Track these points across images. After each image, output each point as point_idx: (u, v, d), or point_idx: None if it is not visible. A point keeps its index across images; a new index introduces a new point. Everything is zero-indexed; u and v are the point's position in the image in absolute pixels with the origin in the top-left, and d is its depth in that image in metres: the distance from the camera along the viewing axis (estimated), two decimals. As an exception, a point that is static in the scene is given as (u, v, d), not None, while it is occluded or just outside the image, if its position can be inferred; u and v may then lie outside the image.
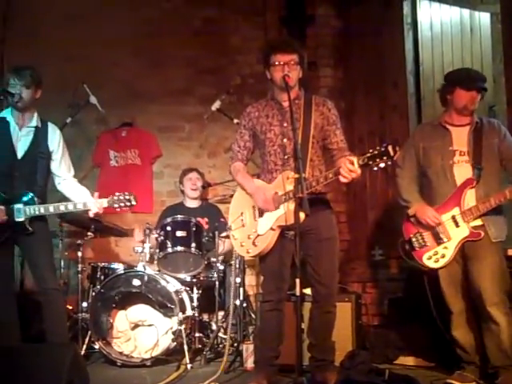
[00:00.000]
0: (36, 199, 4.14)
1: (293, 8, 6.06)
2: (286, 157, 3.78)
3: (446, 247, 3.95)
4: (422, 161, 4.11)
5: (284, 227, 3.68)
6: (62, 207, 4.15)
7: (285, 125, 3.80)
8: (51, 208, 4.14)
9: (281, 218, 3.66)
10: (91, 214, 4.22)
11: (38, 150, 4.26)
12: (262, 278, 4.05)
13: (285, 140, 3.79)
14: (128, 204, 4.18)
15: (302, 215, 3.43)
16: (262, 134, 3.87)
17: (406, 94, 5.53)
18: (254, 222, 3.80)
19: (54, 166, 4.35)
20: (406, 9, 5.59)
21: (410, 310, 4.73)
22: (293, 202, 3.54)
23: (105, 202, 4.17)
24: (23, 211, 4.12)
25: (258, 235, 3.75)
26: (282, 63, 3.72)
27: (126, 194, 4.19)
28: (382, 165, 3.35)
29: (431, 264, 3.99)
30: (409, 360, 4.50)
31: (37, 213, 4.12)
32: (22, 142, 4.25)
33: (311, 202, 3.41)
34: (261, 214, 3.77)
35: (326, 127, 3.84)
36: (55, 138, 4.34)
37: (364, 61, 5.84)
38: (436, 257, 3.97)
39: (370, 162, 3.36)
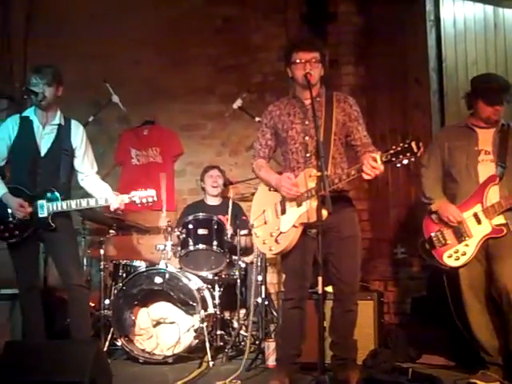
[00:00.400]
0: (59, 196, 4.18)
1: (314, 5, 6.04)
2: (307, 155, 3.76)
3: (467, 245, 3.92)
4: (447, 160, 4.09)
5: (306, 225, 3.67)
6: (83, 203, 4.18)
7: (306, 123, 3.79)
8: (73, 204, 4.17)
9: (303, 215, 3.65)
10: (112, 209, 4.25)
11: (61, 147, 4.30)
12: (283, 276, 4.04)
13: (307, 138, 3.78)
14: (150, 200, 4.21)
15: (324, 213, 3.41)
16: (283, 132, 3.86)
17: (429, 91, 5.48)
18: (276, 220, 3.79)
19: (77, 163, 4.38)
20: (429, 5, 5.54)
21: (433, 309, 4.70)
22: (315, 200, 3.51)
23: (126, 198, 4.20)
24: (46, 207, 4.17)
25: (281, 233, 3.74)
26: (303, 61, 3.71)
27: (148, 190, 4.20)
28: (406, 161, 3.32)
29: (452, 262, 3.95)
30: (432, 359, 4.46)
31: (59, 209, 4.17)
32: (45, 140, 4.29)
33: (333, 200, 3.38)
34: (283, 211, 3.76)
35: (348, 123, 3.82)
36: (78, 135, 4.38)
37: (386, 58, 5.81)
38: (457, 255, 3.94)
39: (394, 159, 3.34)
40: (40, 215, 4.17)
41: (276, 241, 3.76)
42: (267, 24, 6.32)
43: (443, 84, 5.45)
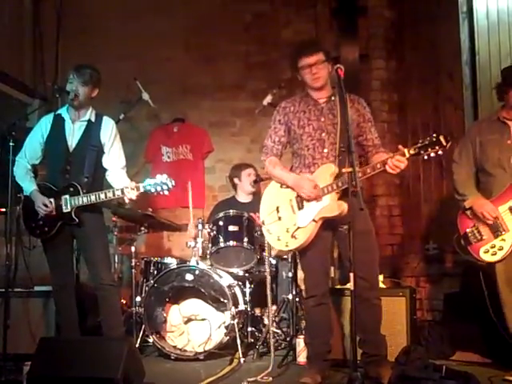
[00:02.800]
0: (80, 189, 4.21)
1: (344, -1, 6.00)
2: (325, 150, 3.80)
3: (503, 239, 3.89)
4: (479, 155, 4.05)
5: (327, 219, 3.69)
6: (102, 195, 4.18)
7: (322, 120, 3.85)
8: (93, 197, 4.19)
9: (324, 209, 3.68)
10: (126, 200, 4.23)
11: (89, 142, 4.33)
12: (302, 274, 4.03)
13: (323, 134, 3.83)
14: (165, 187, 4.12)
15: (345, 207, 3.46)
16: (299, 128, 3.89)
17: (462, 85, 5.39)
18: (292, 215, 3.80)
19: (105, 158, 4.40)
20: (462, -3, 5.46)
21: (467, 306, 4.63)
22: (336, 194, 3.63)
23: (141, 187, 4.15)
24: (69, 202, 4.22)
25: (299, 228, 3.75)
26: (309, 65, 3.80)
27: (163, 177, 4.14)
28: (433, 154, 3.41)
29: (488, 258, 3.92)
30: (465, 356, 4.40)
31: (80, 203, 4.20)
32: (74, 136, 4.34)
33: (347, 195, 3.42)
34: (301, 206, 3.77)
35: (361, 124, 3.89)
36: (107, 130, 4.40)
37: (418, 52, 5.75)
38: (493, 250, 3.91)
39: (422, 152, 3.43)
40: (64, 210, 4.22)
41: (293, 236, 3.77)
42: (297, 19, 6.30)
43: (476, 78, 5.36)
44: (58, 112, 4.44)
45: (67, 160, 4.30)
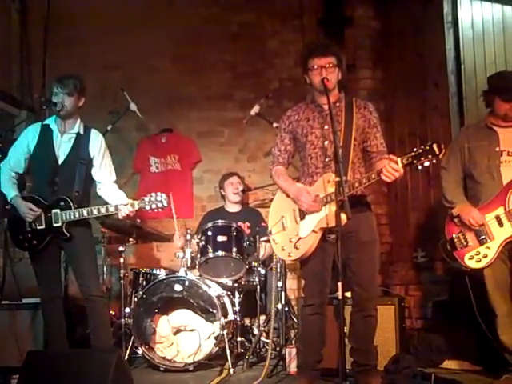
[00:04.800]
0: (71, 204, 4.18)
1: (330, 10, 6.03)
2: (327, 159, 3.75)
3: (488, 247, 3.92)
4: (467, 161, 4.07)
5: (326, 229, 3.65)
6: (95, 211, 4.16)
7: (326, 127, 3.77)
8: (85, 212, 4.16)
9: (322, 220, 3.64)
10: (120, 217, 4.21)
11: (78, 156, 4.31)
12: (303, 281, 4.03)
13: (326, 143, 3.76)
14: (160, 205, 4.13)
15: (343, 218, 3.40)
16: (302, 136, 3.84)
17: (448, 94, 5.43)
18: (295, 226, 3.78)
19: (95, 172, 4.38)
20: (447, 7, 5.49)
21: (456, 313, 4.64)
22: (334, 204, 3.51)
23: (136, 204, 4.15)
24: (59, 216, 4.18)
25: (300, 238, 3.72)
26: (319, 67, 3.70)
27: (158, 194, 4.14)
28: (427, 163, 3.34)
29: (473, 264, 3.95)
30: (454, 364, 4.41)
31: (72, 217, 4.17)
32: (62, 149, 4.31)
33: (352, 205, 3.39)
34: (302, 216, 3.74)
35: (366, 129, 3.80)
36: (96, 144, 4.38)
37: (404, 61, 5.78)
38: (478, 257, 3.94)
39: (415, 161, 3.36)
40: (55, 224, 4.19)
41: (295, 246, 3.75)
42: (283, 30, 6.32)
43: (462, 86, 5.41)
44: (46, 122, 4.40)
45: (55, 172, 4.26)
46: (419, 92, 5.66)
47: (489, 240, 3.90)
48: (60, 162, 4.29)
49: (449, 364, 4.43)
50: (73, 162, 4.30)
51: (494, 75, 4.26)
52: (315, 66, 3.71)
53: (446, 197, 4.13)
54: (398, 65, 5.84)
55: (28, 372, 3.50)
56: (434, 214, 5.36)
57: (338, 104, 3.80)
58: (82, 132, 4.37)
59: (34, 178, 4.42)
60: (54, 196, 4.23)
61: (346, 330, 3.90)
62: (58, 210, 4.19)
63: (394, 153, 3.61)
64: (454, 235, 4.04)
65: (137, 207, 4.14)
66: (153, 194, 4.13)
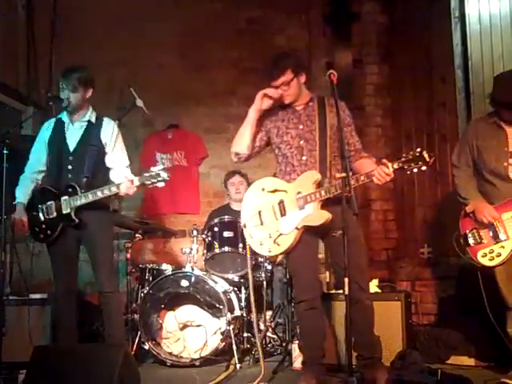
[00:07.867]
0: (78, 189, 4.16)
1: (337, 5, 6.02)
2: (303, 158, 3.80)
3: (502, 246, 3.89)
4: (477, 159, 4.06)
5: (308, 227, 3.69)
6: (98, 193, 4.11)
7: (301, 127, 3.85)
8: (90, 195, 4.12)
9: (306, 218, 3.68)
10: (121, 193, 4.15)
11: (89, 143, 4.29)
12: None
13: (302, 142, 3.82)
14: (160, 179, 4.02)
15: (327, 215, 3.56)
16: (278, 137, 3.90)
17: (455, 89, 5.41)
18: (275, 221, 3.79)
19: (108, 158, 4.36)
20: (454, 2, 5.47)
21: (462, 309, 4.64)
22: (319, 203, 3.64)
23: (136, 181, 4.08)
24: (68, 203, 4.17)
25: (281, 234, 3.75)
26: (275, 87, 3.81)
27: (157, 168, 4.05)
28: (416, 170, 3.45)
29: (485, 262, 3.92)
30: (461, 359, 4.40)
31: (78, 203, 4.13)
32: (74, 137, 4.31)
33: (337, 202, 3.47)
34: (283, 213, 3.77)
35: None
36: (109, 130, 4.36)
37: (411, 56, 5.77)
38: (491, 255, 3.91)
39: (405, 167, 3.47)
40: (64, 211, 4.17)
41: (275, 242, 3.77)
42: (290, 25, 6.32)
43: (469, 81, 5.38)
44: (59, 116, 4.40)
45: (67, 160, 4.26)
46: (426, 87, 5.65)
47: (504, 239, 3.88)
48: (71, 149, 4.28)
49: (456, 360, 4.43)
50: (83, 147, 4.27)
51: (499, 76, 4.15)
52: (273, 86, 3.83)
53: (460, 193, 4.11)
54: (405, 60, 5.82)
55: (35, 367, 3.51)
56: (440, 210, 5.36)
57: (310, 104, 3.89)
58: (93, 120, 4.36)
59: (49, 168, 4.39)
60: (64, 183, 4.21)
61: (339, 324, 4.02)
62: (66, 197, 4.17)
63: (401, 149, 3.62)
64: (467, 231, 4.02)
65: (137, 183, 4.08)
66: (152, 169, 4.05)
